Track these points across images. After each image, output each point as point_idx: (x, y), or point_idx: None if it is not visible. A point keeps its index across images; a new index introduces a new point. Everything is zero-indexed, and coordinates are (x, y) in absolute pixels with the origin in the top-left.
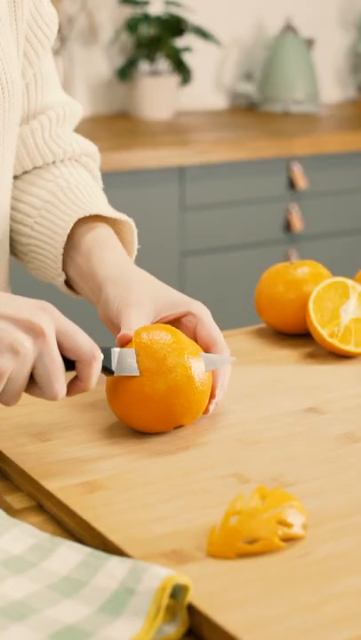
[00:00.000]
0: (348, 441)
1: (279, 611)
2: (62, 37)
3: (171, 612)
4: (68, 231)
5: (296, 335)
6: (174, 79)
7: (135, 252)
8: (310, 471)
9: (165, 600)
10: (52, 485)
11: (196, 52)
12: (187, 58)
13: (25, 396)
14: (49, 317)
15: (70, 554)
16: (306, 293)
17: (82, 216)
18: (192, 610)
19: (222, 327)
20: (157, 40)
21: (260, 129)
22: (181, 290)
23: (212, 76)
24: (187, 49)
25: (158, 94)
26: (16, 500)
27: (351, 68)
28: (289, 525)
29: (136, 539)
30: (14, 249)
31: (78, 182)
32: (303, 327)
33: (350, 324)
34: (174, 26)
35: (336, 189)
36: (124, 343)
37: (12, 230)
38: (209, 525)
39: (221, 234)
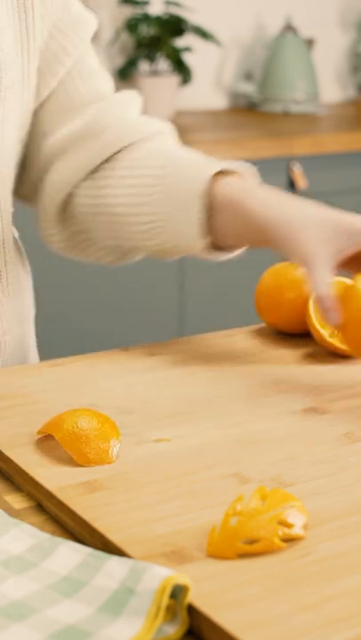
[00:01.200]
0: (348, 441)
1: (279, 611)
2: None
3: (171, 612)
4: (203, 194)
5: (296, 335)
6: (174, 79)
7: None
8: (310, 471)
9: (165, 600)
10: (52, 485)
11: (196, 51)
12: (187, 58)
13: (26, 396)
14: None
15: (70, 554)
16: (306, 293)
17: (211, 174)
18: (192, 610)
19: (222, 327)
20: (157, 40)
21: (260, 129)
22: (181, 290)
23: (212, 76)
24: (187, 49)
25: (158, 94)
26: (16, 500)
27: (351, 68)
28: (289, 526)
29: (136, 539)
30: (127, 232)
31: (173, 149)
32: (303, 327)
33: None
34: (174, 26)
35: (336, 189)
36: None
37: (125, 214)
38: (209, 525)
39: None
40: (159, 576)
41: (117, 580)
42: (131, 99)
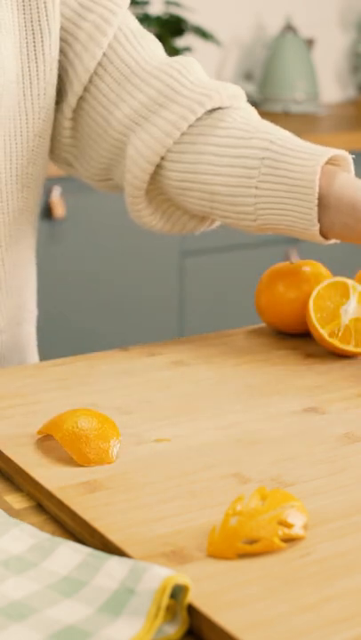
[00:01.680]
0: (348, 441)
1: (279, 611)
2: None
3: (171, 612)
4: (317, 187)
5: (296, 335)
6: None
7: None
8: (310, 471)
9: (165, 600)
10: (52, 485)
11: (196, 51)
12: None
13: (26, 396)
14: None
15: (70, 554)
16: (306, 293)
17: (322, 164)
18: (192, 610)
19: (222, 327)
20: (157, 40)
21: None
22: (181, 290)
23: (212, 76)
24: (187, 49)
25: None
26: (16, 500)
27: (351, 68)
28: (289, 526)
29: (136, 539)
30: (226, 210)
31: (262, 124)
32: (303, 327)
33: (350, 323)
34: (174, 26)
35: None
36: None
37: (226, 194)
38: (209, 525)
39: (221, 234)
40: (159, 576)
41: (117, 579)
42: (193, 61)
